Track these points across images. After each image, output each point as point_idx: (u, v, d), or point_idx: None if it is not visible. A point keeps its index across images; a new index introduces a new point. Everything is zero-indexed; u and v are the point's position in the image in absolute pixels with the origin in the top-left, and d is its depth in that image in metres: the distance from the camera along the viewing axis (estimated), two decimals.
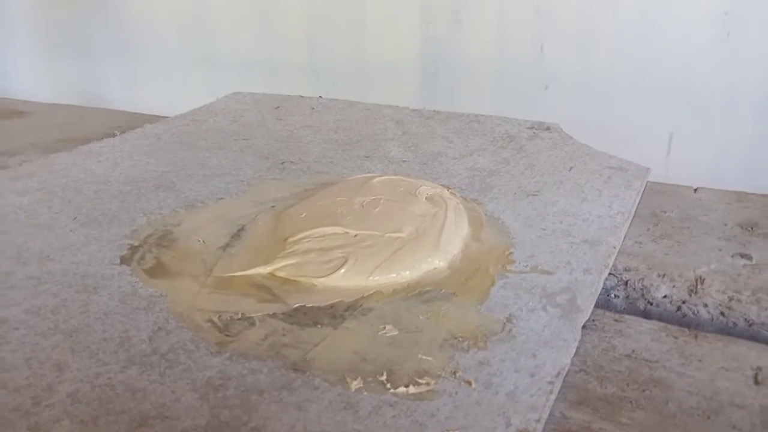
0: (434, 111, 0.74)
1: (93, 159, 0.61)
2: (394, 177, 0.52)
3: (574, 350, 0.33)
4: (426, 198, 0.48)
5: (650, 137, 0.87)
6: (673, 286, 0.40)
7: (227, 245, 0.44)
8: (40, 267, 0.41)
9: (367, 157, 0.62)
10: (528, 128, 0.68)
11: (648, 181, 0.56)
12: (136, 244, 0.44)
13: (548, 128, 0.68)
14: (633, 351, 0.33)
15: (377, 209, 0.45)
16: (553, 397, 0.29)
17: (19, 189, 0.53)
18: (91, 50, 1.20)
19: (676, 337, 0.34)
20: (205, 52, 1.11)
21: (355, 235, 0.42)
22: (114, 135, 0.68)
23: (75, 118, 0.78)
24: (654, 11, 0.83)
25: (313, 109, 0.77)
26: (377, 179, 0.51)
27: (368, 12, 0.99)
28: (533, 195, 0.52)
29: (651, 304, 0.40)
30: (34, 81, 1.26)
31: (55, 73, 1.25)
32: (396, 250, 0.41)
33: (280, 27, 1.05)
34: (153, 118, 0.79)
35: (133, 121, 0.78)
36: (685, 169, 0.84)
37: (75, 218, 0.48)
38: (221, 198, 0.52)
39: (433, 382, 0.30)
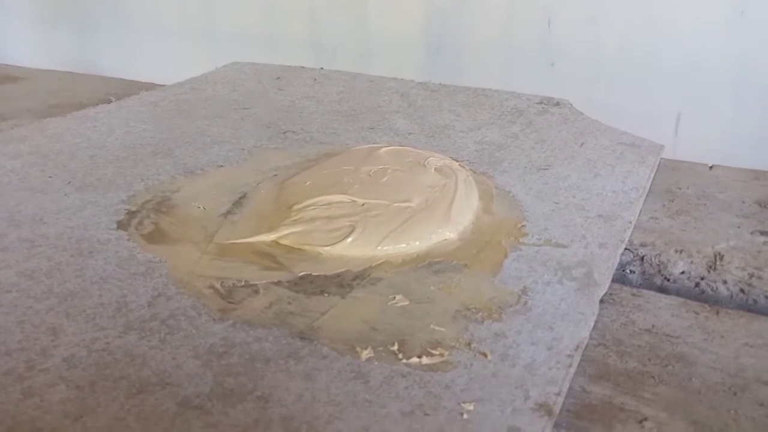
0: (440, 84, 0.72)
1: (88, 124, 0.59)
2: (401, 147, 0.50)
3: (592, 324, 0.31)
4: (435, 169, 0.46)
5: (658, 116, 0.86)
6: (691, 262, 0.39)
7: (229, 212, 0.42)
8: (33, 230, 0.39)
9: (372, 128, 0.60)
10: (537, 103, 0.66)
11: (662, 158, 0.54)
12: (133, 209, 0.42)
13: (558, 103, 0.66)
14: (653, 326, 0.32)
15: (385, 179, 0.44)
16: (572, 370, 0.28)
17: (10, 152, 0.51)
18: (88, 19, 1.17)
19: (696, 313, 0.33)
20: (203, 23, 1.08)
21: (363, 204, 0.40)
22: (109, 101, 0.66)
23: (69, 84, 0.75)
24: None
25: (315, 80, 0.75)
26: (384, 149, 0.49)
27: None
28: (544, 169, 0.51)
29: (668, 280, 0.39)
30: (30, 49, 1.23)
31: (51, 41, 1.21)
32: (405, 220, 0.39)
33: None
34: (150, 86, 0.77)
35: (129, 88, 0.75)
36: (694, 148, 0.83)
37: (69, 182, 0.46)
38: (221, 166, 0.50)
39: (446, 353, 0.29)
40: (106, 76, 1.11)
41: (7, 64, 0.83)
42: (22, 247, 0.37)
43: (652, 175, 0.50)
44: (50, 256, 0.36)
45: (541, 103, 0.66)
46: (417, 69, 0.97)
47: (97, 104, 0.67)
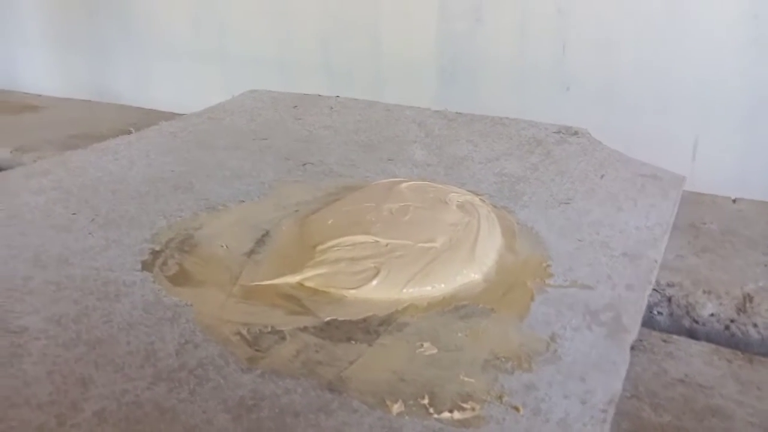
0: (457, 113, 0.72)
1: (109, 157, 0.59)
2: (421, 182, 0.50)
3: (624, 373, 0.31)
4: (457, 205, 0.46)
5: (676, 140, 0.85)
6: (720, 304, 0.38)
7: (252, 251, 0.42)
8: (59, 271, 0.39)
9: (391, 160, 0.60)
10: (555, 132, 0.66)
11: (683, 190, 0.54)
12: (157, 248, 0.43)
13: (576, 133, 0.66)
14: (686, 375, 0.32)
15: (407, 217, 0.44)
16: (607, 426, 0.28)
17: (34, 187, 0.52)
18: (104, 45, 1.18)
19: (729, 361, 0.33)
20: (217, 49, 1.09)
21: (386, 245, 0.40)
22: (129, 132, 0.66)
23: (88, 114, 0.76)
24: (680, 13, 0.81)
25: (332, 108, 0.76)
26: (404, 185, 0.49)
27: (384, 8, 0.97)
28: (565, 203, 0.50)
29: (697, 322, 0.38)
30: (47, 76, 1.25)
31: (68, 68, 1.23)
32: (429, 261, 0.39)
33: (293, 23, 1.03)
34: (167, 115, 0.77)
35: (148, 117, 0.76)
36: (712, 172, 0.82)
37: (93, 219, 0.46)
38: (242, 201, 0.50)
39: (478, 407, 0.29)
40: (123, 102, 1.13)
41: (26, 93, 0.84)
42: (48, 290, 0.37)
43: (675, 210, 0.50)
44: (77, 299, 0.36)
45: (559, 132, 0.66)
46: (431, 93, 0.97)
47: (117, 135, 0.67)
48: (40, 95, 0.84)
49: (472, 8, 0.91)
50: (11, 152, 0.63)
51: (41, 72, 1.26)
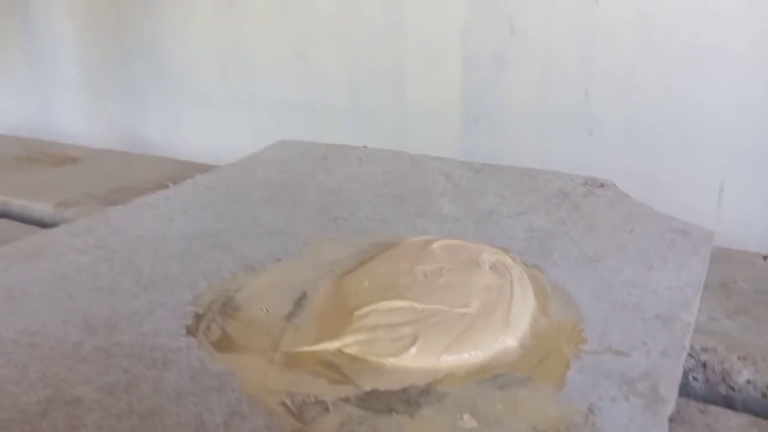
0: (483, 164, 0.74)
1: (149, 213, 0.61)
2: (453, 242, 0.51)
3: None
4: (489, 266, 0.47)
5: (700, 186, 0.86)
6: (757, 371, 0.39)
7: (291, 314, 0.44)
8: (108, 337, 0.41)
9: (420, 215, 0.61)
10: (581, 184, 0.67)
11: (712, 245, 0.54)
12: (200, 312, 0.44)
13: (602, 185, 0.67)
14: None
15: (441, 280, 0.45)
16: None
17: (79, 246, 0.54)
18: (137, 92, 1.22)
19: None
20: (246, 94, 1.13)
21: (422, 310, 0.41)
22: (166, 186, 0.69)
23: (125, 166, 0.79)
24: (703, 59, 0.82)
25: (360, 159, 0.77)
26: (436, 244, 0.50)
27: (409, 55, 1.00)
28: (596, 261, 0.51)
29: (733, 389, 0.38)
30: (83, 121, 1.29)
31: (102, 113, 1.28)
32: (466, 328, 0.40)
33: (320, 69, 1.06)
34: (202, 167, 0.80)
35: (183, 169, 0.79)
36: (738, 219, 0.83)
37: (137, 281, 0.48)
38: (279, 259, 0.52)
39: None
40: (155, 145, 1.16)
41: (64, 143, 0.87)
42: (99, 357, 0.39)
43: (706, 268, 0.50)
44: (126, 367, 0.38)
45: (585, 184, 0.67)
46: (455, 138, 0.99)
47: (155, 187, 0.70)
48: (78, 146, 0.87)
49: (496, 56, 0.94)
50: (54, 207, 0.66)
51: (77, 117, 1.30)
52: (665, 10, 0.81)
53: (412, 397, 0.35)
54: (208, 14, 1.11)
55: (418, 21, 0.97)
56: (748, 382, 0.38)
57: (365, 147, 0.80)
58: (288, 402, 0.35)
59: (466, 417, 0.34)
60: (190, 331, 0.42)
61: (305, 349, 0.39)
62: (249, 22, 1.09)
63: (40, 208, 0.67)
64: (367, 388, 0.36)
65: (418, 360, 0.38)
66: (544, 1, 0.88)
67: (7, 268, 0.50)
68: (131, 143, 1.22)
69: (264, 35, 1.08)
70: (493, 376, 0.37)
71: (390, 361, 0.38)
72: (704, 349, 0.41)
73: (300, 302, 0.45)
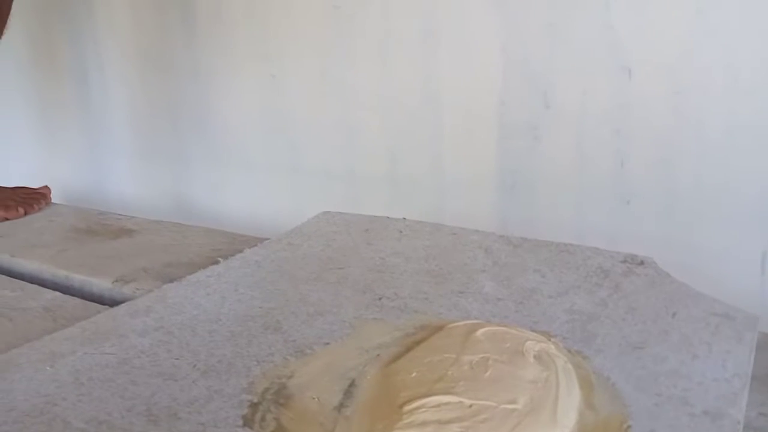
0: (522, 238, 0.75)
1: (202, 291, 0.64)
2: (497, 329, 0.52)
3: None
4: (534, 356, 0.48)
5: (742, 254, 0.85)
6: None
7: (341, 405, 0.45)
8: (170, 428, 0.43)
9: (461, 293, 0.63)
10: (621, 262, 0.68)
11: (759, 332, 0.54)
12: (255, 400, 0.46)
13: (642, 262, 0.68)
14: None
15: (488, 373, 0.46)
16: None
17: (139, 328, 0.57)
18: (184, 156, 1.29)
19: None
20: (288, 162, 1.18)
21: (470, 406, 0.43)
22: (217, 262, 0.72)
23: (178, 238, 0.83)
24: (740, 129, 0.83)
25: (401, 232, 0.80)
26: (480, 332, 0.52)
27: (446, 127, 1.03)
28: (639, 348, 0.52)
29: None
30: (134, 186, 1.36)
31: (152, 177, 1.34)
32: (514, 426, 0.41)
33: (360, 139, 1.10)
34: (250, 239, 0.83)
35: (232, 242, 0.82)
36: None
37: (194, 366, 0.51)
38: (327, 342, 0.54)
39: None
40: (203, 212, 1.21)
41: (120, 215, 0.92)
42: None
43: (752, 357, 0.50)
44: None
45: (625, 261, 0.68)
46: (491, 207, 1.01)
47: (206, 261, 0.74)
48: (133, 217, 0.92)
49: (531, 127, 0.96)
50: (112, 283, 0.69)
51: (129, 183, 1.37)
52: (699, 85, 0.83)
53: None
54: (252, 85, 1.18)
55: (454, 93, 1.01)
56: None
57: (404, 219, 0.83)
58: None
59: None
60: (247, 422, 0.44)
61: None
62: (291, 94, 1.15)
63: (99, 284, 0.71)
64: None
65: None
66: (578, 75, 0.91)
67: (74, 352, 0.53)
68: (177, 207, 1.28)
69: (306, 106, 1.13)
70: None
71: None
72: None
73: (349, 391, 0.47)
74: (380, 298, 0.62)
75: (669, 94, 0.86)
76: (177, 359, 0.52)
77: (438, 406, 0.43)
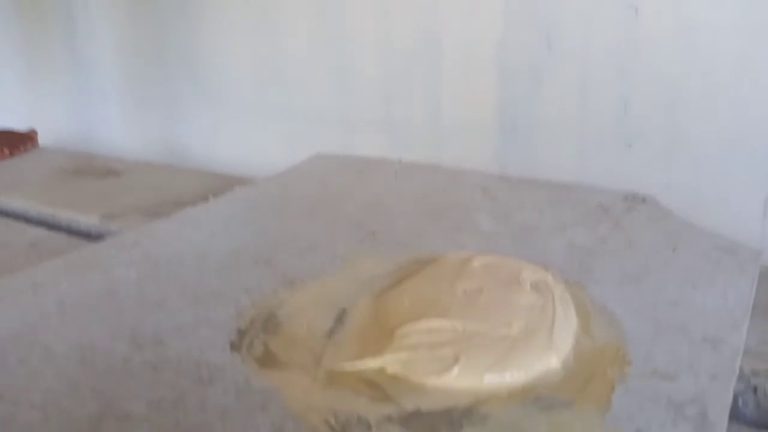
0: (520, 178, 0.73)
1: (191, 227, 0.63)
2: (493, 259, 0.51)
3: None
4: (530, 285, 0.47)
5: (744, 200, 0.83)
6: None
7: (332, 331, 0.44)
8: (155, 352, 0.42)
9: (457, 229, 0.61)
10: (622, 200, 0.66)
11: (761, 265, 0.53)
12: (243, 327, 0.45)
13: (644, 200, 0.66)
14: None
15: (482, 299, 0.45)
16: None
17: (125, 260, 0.55)
18: (176, 101, 1.25)
19: None
20: (282, 106, 1.15)
21: (463, 330, 0.41)
22: (207, 199, 0.70)
23: (167, 178, 0.81)
24: (749, 71, 0.80)
25: (397, 173, 0.78)
26: (476, 262, 0.50)
27: (445, 70, 1.00)
28: (638, 280, 0.50)
29: None
30: (124, 131, 1.33)
31: (143, 122, 1.31)
32: (507, 349, 0.40)
33: (356, 83, 1.07)
34: (241, 179, 0.81)
35: (223, 182, 0.80)
36: None
37: (182, 295, 0.49)
38: (319, 275, 0.52)
39: None
40: (195, 158, 1.19)
41: (107, 156, 0.90)
42: (146, 372, 0.40)
43: (754, 288, 0.49)
44: (174, 383, 0.39)
45: (626, 199, 0.66)
46: (491, 152, 0.98)
47: (196, 200, 0.72)
48: (121, 158, 0.90)
49: (532, 69, 0.93)
50: (100, 219, 0.68)
51: (118, 128, 1.34)
52: (709, 20, 0.80)
53: (454, 418, 0.35)
54: (245, 26, 1.14)
55: (453, 35, 0.97)
56: None
57: (400, 160, 0.81)
58: (332, 420, 0.35)
59: None
60: (234, 347, 0.42)
61: (347, 367, 0.40)
62: (285, 35, 1.11)
63: (86, 220, 0.69)
64: (410, 407, 0.36)
65: (460, 380, 0.38)
66: (582, 14, 0.87)
67: (58, 282, 0.51)
68: (170, 152, 1.25)
69: (300, 48, 1.10)
70: (536, 398, 0.37)
71: (431, 381, 0.38)
72: (755, 373, 0.40)
73: (340, 319, 0.46)
74: (374, 234, 0.61)
75: (677, 32, 0.82)
76: (164, 290, 0.50)
77: (430, 330, 0.41)
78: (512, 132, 0.96)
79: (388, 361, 0.39)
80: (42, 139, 1.00)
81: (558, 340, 0.41)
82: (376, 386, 0.38)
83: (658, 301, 0.47)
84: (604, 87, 0.89)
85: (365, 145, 1.05)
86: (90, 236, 0.68)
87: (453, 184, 0.73)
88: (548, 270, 0.51)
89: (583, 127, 0.92)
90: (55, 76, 1.41)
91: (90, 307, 0.48)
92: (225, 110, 1.21)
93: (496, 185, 0.72)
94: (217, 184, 0.80)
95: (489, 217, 0.63)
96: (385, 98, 1.04)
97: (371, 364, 0.40)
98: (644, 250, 0.55)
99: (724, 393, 0.37)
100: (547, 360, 0.39)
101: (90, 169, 0.85)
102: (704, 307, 0.46)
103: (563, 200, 0.67)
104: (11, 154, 0.89)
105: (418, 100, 1.02)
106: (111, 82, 1.33)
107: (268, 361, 0.41)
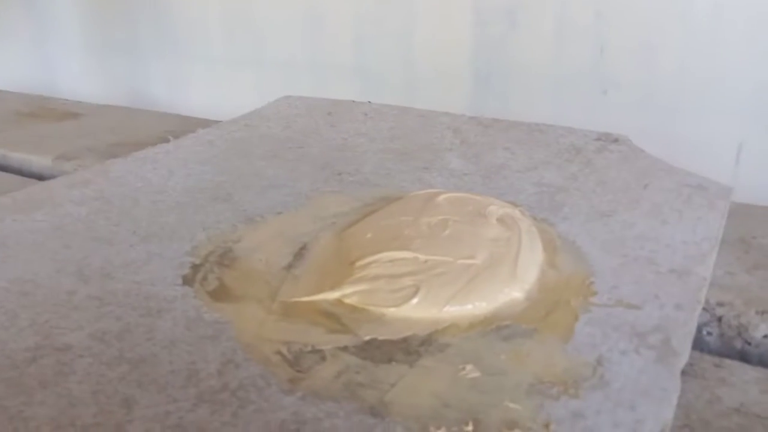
0: (493, 119, 0.71)
1: (149, 166, 0.60)
2: (459, 194, 0.49)
3: (675, 401, 0.30)
4: (497, 219, 0.45)
5: (718, 145, 0.83)
6: None
7: (290, 266, 0.42)
8: (102, 286, 0.40)
9: (426, 168, 0.59)
10: (595, 140, 0.65)
11: (731, 201, 0.52)
12: (197, 262, 0.43)
13: (616, 140, 0.64)
14: (741, 404, 0.30)
15: (446, 232, 0.43)
16: None
17: (76, 198, 0.53)
18: (140, 48, 1.20)
19: None
20: (251, 52, 1.10)
21: (425, 261, 0.40)
22: (167, 140, 0.67)
23: (127, 121, 0.77)
24: (727, 14, 0.78)
25: (366, 114, 0.75)
26: (442, 197, 0.48)
27: (418, 13, 0.96)
28: (608, 216, 0.49)
29: (749, 344, 0.37)
30: (86, 80, 1.27)
31: (104, 70, 1.26)
32: (470, 279, 0.38)
33: (327, 28, 1.03)
34: (204, 122, 0.78)
35: (185, 124, 0.77)
36: (757, 180, 0.80)
37: (134, 232, 0.47)
38: (280, 212, 0.50)
39: None
40: (160, 106, 1.14)
41: (66, 99, 0.86)
42: (91, 305, 0.38)
43: (723, 222, 0.48)
44: (119, 315, 0.37)
45: (599, 139, 0.65)
46: (465, 98, 0.96)
47: (156, 142, 0.68)
48: (80, 102, 0.85)
49: (507, 12, 0.90)
50: (53, 160, 0.64)
51: (79, 76, 1.28)
52: None
53: (412, 347, 0.34)
54: None
55: None
56: (766, 336, 0.37)
57: (370, 102, 0.78)
58: (284, 351, 0.34)
59: (469, 367, 0.32)
60: (187, 281, 0.41)
61: (304, 298, 0.38)
62: None
63: (39, 161, 0.65)
64: (366, 337, 0.35)
65: (420, 310, 0.36)
66: None
67: (2, 219, 0.49)
68: (133, 103, 1.21)
69: None
70: (498, 328, 0.36)
71: (391, 312, 0.37)
72: (720, 304, 0.39)
73: (300, 254, 0.44)
74: (340, 174, 0.58)
75: None
76: (115, 226, 0.48)
77: (391, 261, 0.40)
78: (487, 78, 0.94)
79: (347, 293, 0.38)
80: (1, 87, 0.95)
81: (522, 272, 0.40)
82: (333, 318, 0.37)
83: (627, 236, 0.46)
84: (580, 30, 0.87)
85: (337, 92, 1.02)
86: (42, 178, 0.65)
87: (424, 126, 0.70)
88: (517, 206, 0.49)
89: (559, 73, 0.90)
90: (15, 25, 1.33)
91: (35, 242, 0.45)
92: (191, 57, 1.16)
93: (467, 126, 0.70)
94: (181, 127, 0.77)
95: (459, 157, 0.61)
96: (357, 43, 1.01)
97: (329, 296, 0.38)
98: (615, 188, 0.54)
99: (689, 322, 0.36)
100: (510, 291, 0.38)
101: (47, 112, 0.80)
102: (672, 241, 0.45)
103: (535, 141, 0.65)
104: None
105: (391, 45, 0.99)
106: (73, 30, 1.27)
107: (222, 294, 0.39)
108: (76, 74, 1.29)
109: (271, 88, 1.09)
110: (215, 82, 1.15)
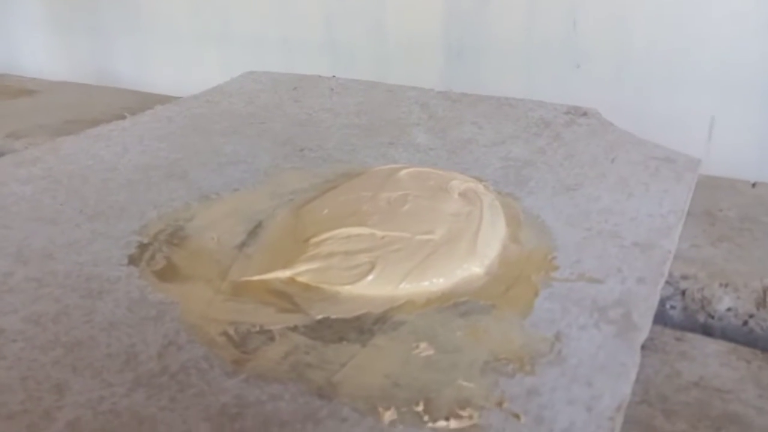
0: (462, 93, 0.70)
1: (101, 143, 0.57)
2: (422, 169, 0.48)
3: (634, 377, 0.29)
4: (458, 194, 0.44)
5: (690, 120, 0.82)
6: (738, 298, 0.36)
7: (243, 244, 0.41)
8: (41, 267, 0.38)
9: (391, 144, 0.58)
10: (564, 113, 0.63)
11: (699, 174, 0.51)
12: (145, 241, 0.41)
13: (585, 113, 0.63)
14: (701, 378, 0.29)
15: (405, 207, 0.41)
16: None
17: (23, 177, 0.50)
18: (102, 26, 1.16)
19: (748, 362, 0.30)
20: (218, 29, 1.07)
21: (382, 237, 0.38)
22: (124, 117, 0.65)
23: (84, 98, 0.74)
24: None
25: (332, 90, 0.73)
26: (404, 171, 0.47)
27: None
28: (573, 189, 0.48)
29: (713, 317, 0.36)
30: (47, 58, 1.23)
31: (66, 48, 1.21)
32: (428, 255, 0.37)
33: (296, 2, 1.00)
34: (165, 99, 0.75)
35: (145, 101, 0.74)
36: (729, 153, 0.79)
37: (81, 211, 0.45)
38: (237, 189, 0.48)
39: (476, 414, 0.27)
40: (122, 86, 1.10)
41: (22, 76, 0.82)
42: (29, 287, 0.36)
43: (690, 195, 0.47)
44: (58, 297, 0.35)
45: (568, 113, 0.63)
46: (437, 72, 0.94)
47: (112, 120, 0.66)
48: (36, 78, 0.82)
49: None
50: (2, 139, 0.61)
51: (41, 54, 1.24)
52: None
53: (365, 326, 0.33)
54: None
55: None
56: (729, 309, 0.36)
57: (334, 77, 0.76)
58: (231, 332, 0.32)
59: (423, 345, 0.31)
60: (132, 261, 0.39)
61: (255, 277, 0.36)
62: None
63: None
64: (318, 316, 0.33)
65: (375, 288, 0.35)
66: None
67: None
68: (100, 81, 1.17)
69: None
70: (455, 304, 0.34)
71: (345, 290, 0.35)
72: (684, 277, 0.38)
73: (255, 232, 0.42)
74: (302, 150, 0.56)
75: None
76: (61, 205, 0.46)
77: (347, 238, 0.38)
78: (458, 52, 0.92)
79: (299, 271, 0.36)
80: None
81: (482, 247, 0.38)
82: (285, 297, 0.35)
83: (592, 210, 0.45)
84: (553, 5, 0.85)
85: (306, 69, 1.00)
86: None
87: (391, 101, 0.69)
88: (481, 181, 0.48)
89: (532, 47, 0.88)
90: None
91: None
92: (157, 34, 1.12)
93: (436, 101, 0.68)
94: (140, 104, 0.74)
95: (426, 132, 0.60)
96: (327, 18, 0.98)
97: (280, 274, 0.36)
98: (582, 162, 0.53)
99: (651, 296, 0.35)
100: (469, 266, 0.37)
101: (1, 89, 0.77)
102: (638, 214, 0.44)
103: (504, 115, 0.64)
104: None
105: (361, 19, 0.96)
106: (35, 7, 1.22)
107: (169, 274, 0.37)
108: (39, 52, 1.24)
109: (238, 65, 1.05)
110: (181, 59, 1.11)
